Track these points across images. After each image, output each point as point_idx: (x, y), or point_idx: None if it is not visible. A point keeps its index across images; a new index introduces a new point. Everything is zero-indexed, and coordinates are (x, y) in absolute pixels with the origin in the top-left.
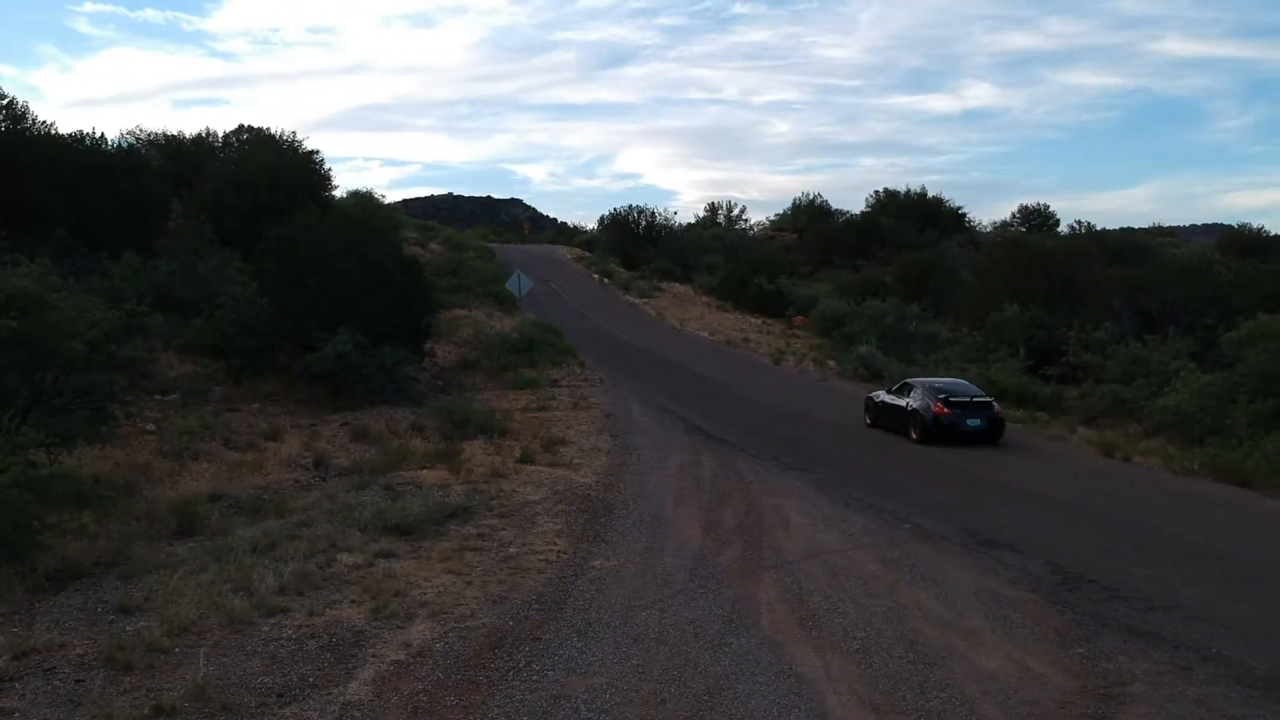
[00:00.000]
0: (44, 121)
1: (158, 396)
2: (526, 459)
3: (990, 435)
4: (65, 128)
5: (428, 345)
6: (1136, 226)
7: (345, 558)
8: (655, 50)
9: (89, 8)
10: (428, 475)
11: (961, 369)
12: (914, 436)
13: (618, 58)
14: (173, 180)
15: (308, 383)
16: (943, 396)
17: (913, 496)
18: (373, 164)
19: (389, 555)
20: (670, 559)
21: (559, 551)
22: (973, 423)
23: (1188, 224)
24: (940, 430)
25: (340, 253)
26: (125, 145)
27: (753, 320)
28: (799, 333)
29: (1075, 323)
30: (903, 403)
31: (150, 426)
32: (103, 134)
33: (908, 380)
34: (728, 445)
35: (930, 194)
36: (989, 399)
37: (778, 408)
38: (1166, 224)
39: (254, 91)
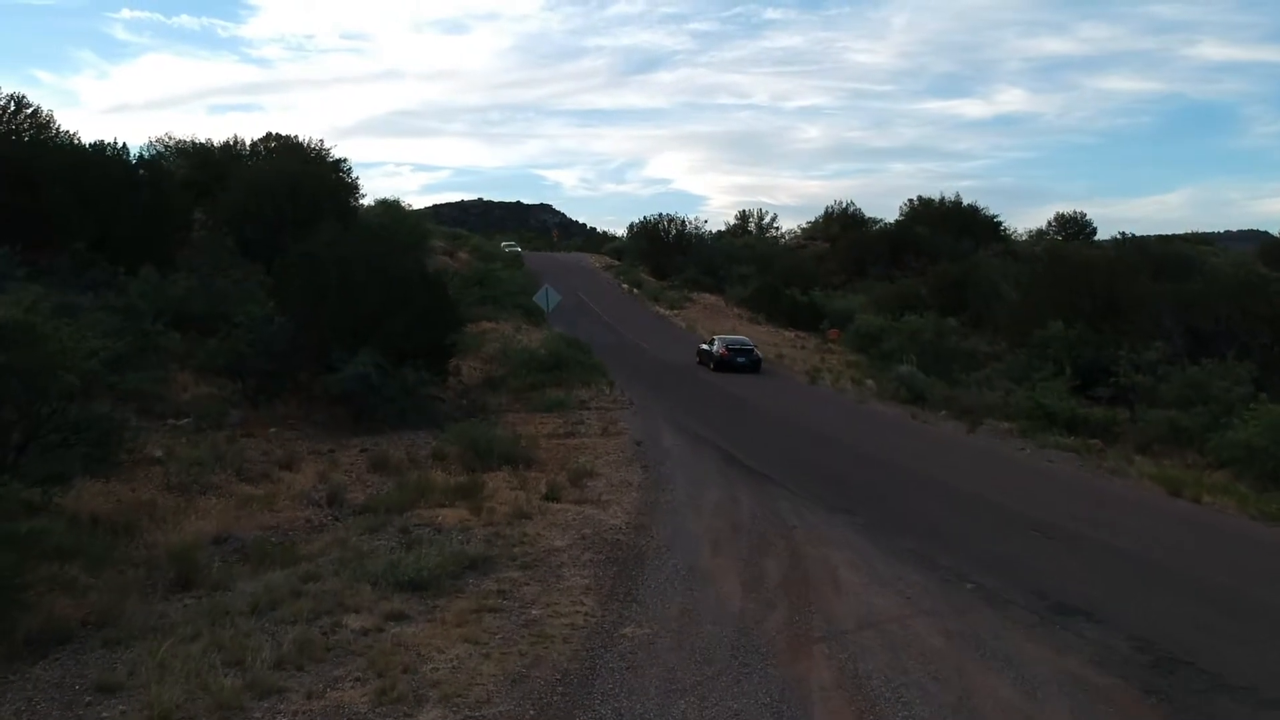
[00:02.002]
0: (66, 131)
1: (170, 421)
2: (552, 496)
3: (751, 368)
4: (103, 133)
5: (452, 363)
6: (1170, 233)
7: (352, 620)
8: (686, 55)
9: (126, 14)
10: (447, 515)
11: (1007, 390)
12: (711, 367)
13: (649, 63)
14: (198, 190)
15: (327, 404)
16: (726, 344)
17: (973, 551)
18: (404, 169)
19: (400, 618)
20: (709, 626)
21: (586, 614)
22: (741, 359)
23: (1222, 230)
24: (723, 364)
25: (362, 269)
26: (147, 155)
27: (786, 334)
28: (834, 347)
29: (1124, 342)
30: (710, 349)
31: (159, 452)
32: (124, 144)
33: (714, 336)
34: (766, 480)
35: (965, 202)
36: (752, 347)
37: (817, 435)
38: (1200, 230)
39: (288, 97)
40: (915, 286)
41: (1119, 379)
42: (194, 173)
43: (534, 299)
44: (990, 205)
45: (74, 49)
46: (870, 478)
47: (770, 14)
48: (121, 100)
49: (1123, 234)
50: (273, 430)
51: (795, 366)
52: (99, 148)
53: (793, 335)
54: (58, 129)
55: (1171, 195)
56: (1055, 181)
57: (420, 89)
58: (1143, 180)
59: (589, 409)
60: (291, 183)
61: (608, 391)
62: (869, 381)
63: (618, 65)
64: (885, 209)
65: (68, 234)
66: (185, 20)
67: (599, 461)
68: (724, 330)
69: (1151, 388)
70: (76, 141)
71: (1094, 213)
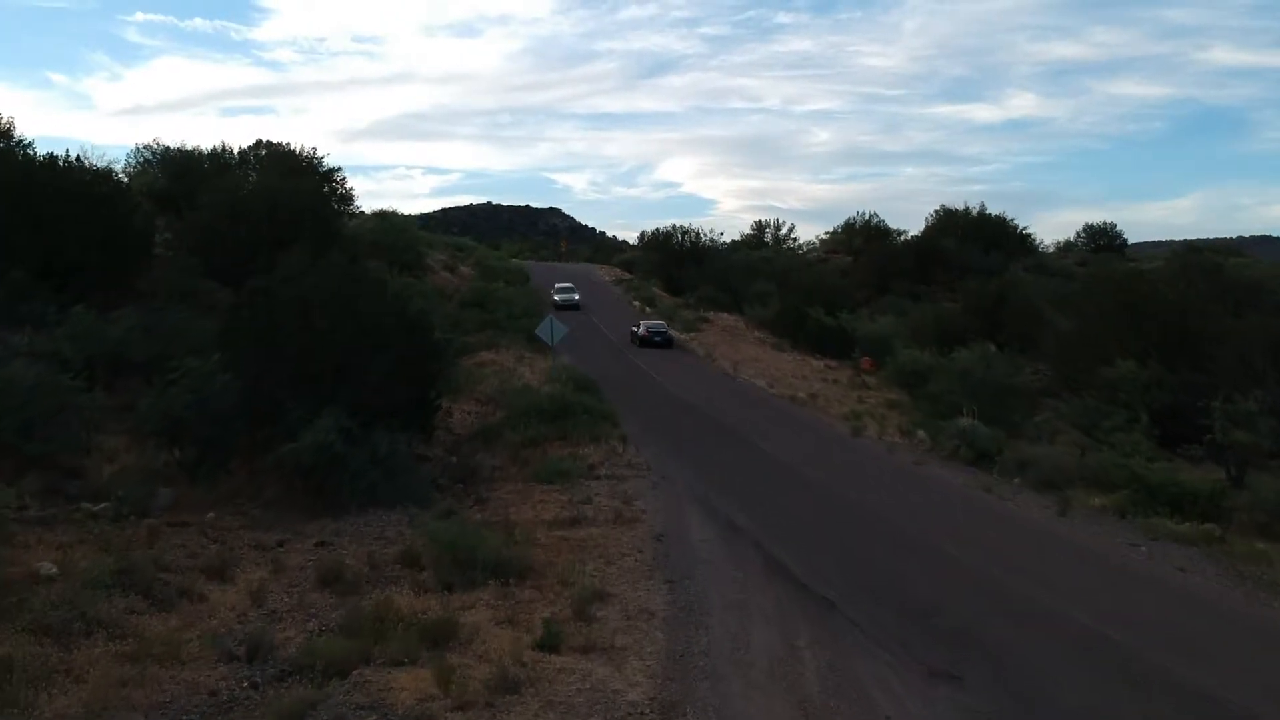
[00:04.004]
0: (19, 141)
1: (85, 505)
2: (550, 640)
3: (665, 344)
4: (115, 136)
5: (442, 409)
6: (1183, 238)
7: None
8: (697, 59)
9: (139, 17)
10: (404, 683)
11: (1082, 450)
12: (635, 344)
13: (659, 67)
14: (176, 204)
15: (282, 476)
16: (647, 328)
17: None
18: (415, 172)
19: None
20: None
21: None
22: (657, 339)
23: (1235, 235)
24: (644, 341)
25: (329, 310)
26: (135, 162)
27: (814, 363)
28: (869, 381)
29: (1210, 386)
30: (637, 331)
31: (50, 569)
32: (78, 156)
33: (640, 321)
34: (830, 609)
35: (990, 211)
36: (665, 329)
37: (879, 522)
38: (1211, 235)
39: (299, 100)
40: (956, 312)
41: (1216, 436)
42: (172, 184)
43: (536, 333)
44: (1000, 210)
45: (87, 51)
46: (966, 606)
47: (782, 18)
48: (134, 103)
49: (1186, 251)
50: (210, 515)
51: (832, 409)
52: (49, 161)
53: (822, 365)
54: (18, 139)
55: (1182, 200)
56: (1066, 186)
57: (431, 92)
58: (1153, 185)
59: (598, 477)
60: (268, 199)
61: (620, 450)
62: (920, 433)
63: (629, 69)
64: (896, 213)
65: (8, 258)
66: (198, 23)
67: (611, 569)
68: (747, 358)
69: (1251, 445)
70: (30, 152)
71: (1105, 217)
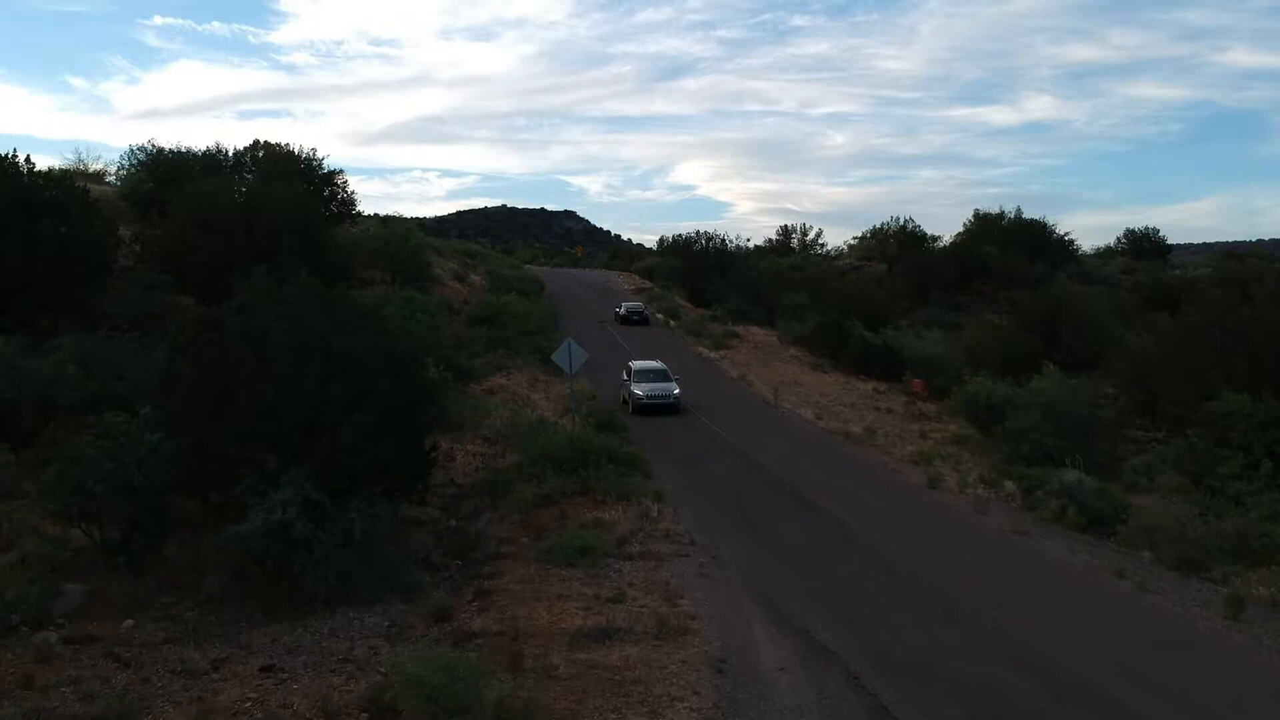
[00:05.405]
0: None
1: None
2: None
3: (642, 323)
4: (138, 140)
5: (435, 459)
6: (1203, 241)
7: None
8: (713, 62)
9: (158, 21)
10: None
11: (1200, 515)
12: (619, 323)
13: (675, 70)
14: (158, 210)
15: (230, 563)
16: (627, 309)
17: None
18: (431, 175)
19: None
20: None
21: None
22: (635, 317)
23: (1255, 238)
24: (624, 320)
25: (295, 349)
26: (129, 164)
27: (859, 385)
28: (924, 406)
29: None
30: (619, 312)
31: None
32: (28, 156)
33: (622, 302)
34: None
35: (1027, 216)
36: (642, 309)
37: (1008, 638)
38: (1231, 239)
39: (316, 104)
40: (1006, 326)
41: None
42: (160, 189)
43: (553, 358)
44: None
45: (106, 55)
46: None
47: (798, 20)
48: (152, 106)
49: (1225, 257)
50: (128, 624)
51: (895, 449)
52: None
53: (869, 388)
54: None
55: (1200, 202)
56: (1083, 189)
57: (448, 95)
58: (1171, 187)
59: (630, 556)
60: (246, 206)
61: (654, 512)
62: (1008, 483)
63: (644, 72)
64: (913, 216)
65: None
66: (216, 27)
67: None
68: (785, 380)
69: None
70: None
71: (1123, 220)
